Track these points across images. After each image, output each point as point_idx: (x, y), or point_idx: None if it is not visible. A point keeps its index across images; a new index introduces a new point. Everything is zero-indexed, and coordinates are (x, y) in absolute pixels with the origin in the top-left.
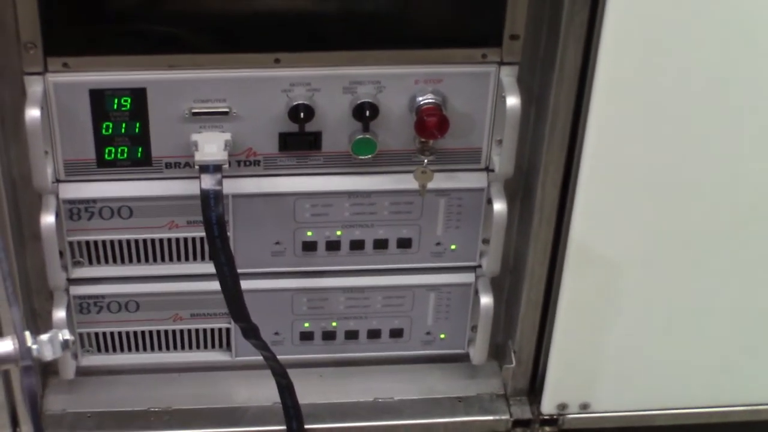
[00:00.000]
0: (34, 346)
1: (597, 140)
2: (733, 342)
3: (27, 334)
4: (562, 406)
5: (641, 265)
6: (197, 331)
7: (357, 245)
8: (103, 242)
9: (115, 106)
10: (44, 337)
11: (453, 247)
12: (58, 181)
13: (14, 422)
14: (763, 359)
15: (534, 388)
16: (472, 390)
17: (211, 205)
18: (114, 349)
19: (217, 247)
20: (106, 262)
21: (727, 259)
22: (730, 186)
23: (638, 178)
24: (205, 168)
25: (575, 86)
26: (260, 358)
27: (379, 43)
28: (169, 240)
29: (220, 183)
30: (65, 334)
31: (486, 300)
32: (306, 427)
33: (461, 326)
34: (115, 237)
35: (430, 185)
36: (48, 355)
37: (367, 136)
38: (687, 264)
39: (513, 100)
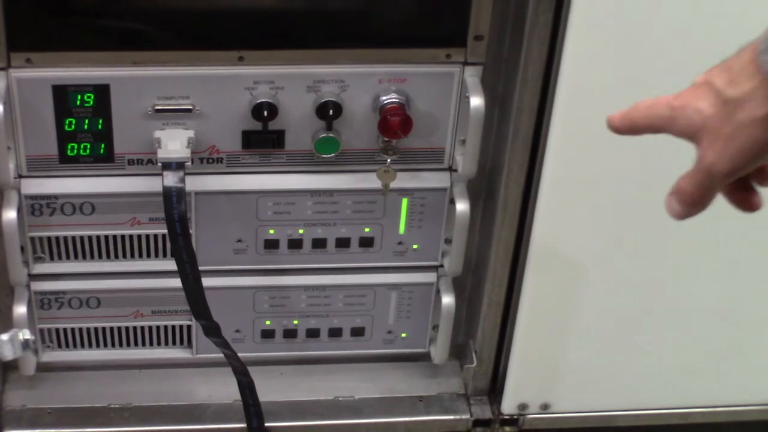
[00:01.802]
0: None
1: (560, 141)
2: (693, 343)
3: None
4: (523, 406)
5: (603, 266)
6: (158, 328)
7: (319, 244)
8: (65, 238)
9: (78, 102)
10: (4, 336)
11: (415, 246)
12: (20, 176)
13: None
14: (723, 361)
15: (495, 388)
16: (433, 389)
17: (173, 202)
18: (75, 345)
19: (179, 244)
20: (68, 258)
21: (688, 261)
22: None
23: (601, 180)
24: (168, 165)
25: (539, 87)
26: (221, 355)
27: (343, 42)
28: (131, 237)
29: (182, 180)
30: (26, 334)
31: (447, 300)
32: (266, 425)
33: (422, 325)
34: (77, 233)
35: (393, 184)
36: (8, 354)
37: (331, 134)
38: (648, 265)
39: (477, 101)
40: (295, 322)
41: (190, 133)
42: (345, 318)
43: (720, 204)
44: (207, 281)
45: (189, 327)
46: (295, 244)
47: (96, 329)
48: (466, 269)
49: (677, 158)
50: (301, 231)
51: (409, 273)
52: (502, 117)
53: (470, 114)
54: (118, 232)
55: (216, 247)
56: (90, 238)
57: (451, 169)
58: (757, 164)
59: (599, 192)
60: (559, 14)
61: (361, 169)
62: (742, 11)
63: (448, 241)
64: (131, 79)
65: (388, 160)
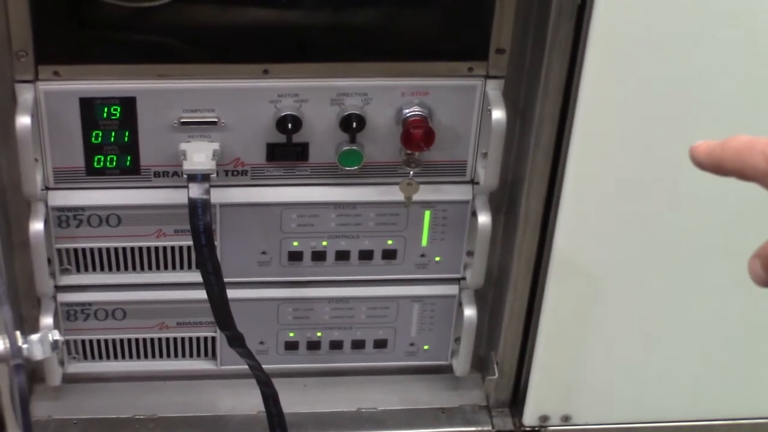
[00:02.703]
0: (25, 346)
1: (581, 153)
2: (716, 355)
3: (17, 333)
4: (544, 418)
5: (624, 277)
6: (183, 339)
7: (342, 256)
8: (91, 250)
9: (105, 115)
10: (34, 337)
11: (437, 258)
12: (47, 188)
13: (1, 426)
14: (747, 372)
15: (516, 400)
16: (455, 401)
17: (198, 213)
18: (100, 357)
19: (204, 255)
20: (94, 269)
21: (711, 271)
22: (715, 199)
23: (622, 191)
24: (193, 177)
25: (560, 99)
26: (245, 367)
27: (366, 56)
28: (157, 248)
29: (207, 192)
30: (55, 335)
31: (469, 312)
32: None
33: (445, 338)
34: (103, 245)
35: (416, 197)
36: (38, 354)
37: (354, 147)
38: (671, 276)
39: (498, 114)
40: (319, 334)
41: (215, 146)
42: (368, 330)
43: (742, 213)
44: (231, 293)
45: (213, 339)
46: (319, 256)
47: (121, 341)
48: (487, 281)
49: (703, 171)
50: (324, 243)
51: (432, 285)
52: (524, 129)
53: (492, 127)
54: (144, 244)
55: (240, 259)
56: (116, 249)
57: (473, 182)
58: None
59: (620, 203)
60: (579, 27)
61: (384, 181)
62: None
63: (470, 253)
64: (157, 91)
65: (411, 173)
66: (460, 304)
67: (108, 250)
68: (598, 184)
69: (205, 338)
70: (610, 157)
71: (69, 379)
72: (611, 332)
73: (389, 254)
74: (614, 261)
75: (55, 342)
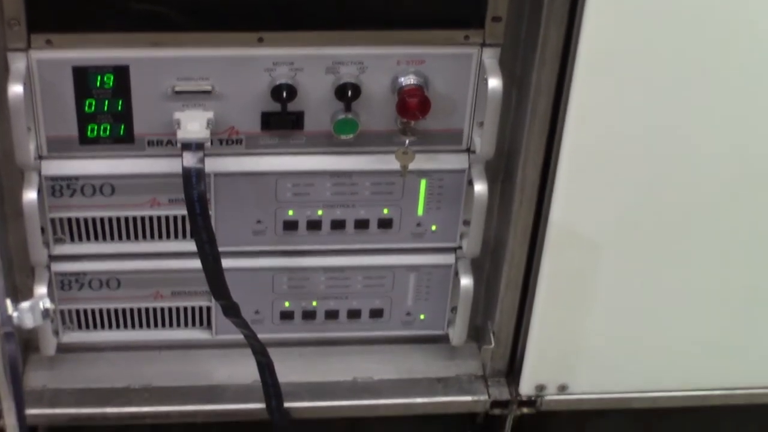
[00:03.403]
0: (15, 314)
1: (578, 122)
2: (712, 325)
3: (8, 301)
4: (540, 388)
5: (621, 246)
6: (178, 309)
7: (338, 225)
8: (85, 219)
9: (98, 84)
10: (25, 305)
11: (433, 228)
12: (40, 157)
13: None
14: (743, 342)
15: (512, 370)
16: (451, 371)
17: (192, 183)
18: (95, 326)
19: (199, 225)
20: (88, 239)
21: (708, 241)
22: (711, 168)
23: (619, 160)
24: (187, 146)
25: (557, 68)
26: (240, 336)
27: (362, 24)
28: (151, 218)
29: (202, 161)
30: (46, 303)
31: (466, 281)
32: (285, 405)
33: (441, 307)
34: (97, 214)
35: (412, 166)
36: (29, 322)
37: (349, 116)
38: (667, 246)
39: (495, 82)
40: (314, 303)
41: (210, 114)
42: (364, 299)
43: (740, 182)
44: (226, 262)
45: (208, 308)
46: (314, 225)
47: (116, 310)
48: (484, 251)
49: (696, 138)
50: (320, 212)
51: (428, 255)
52: (520, 98)
53: (488, 95)
54: (138, 213)
55: (235, 228)
56: (110, 219)
57: (469, 151)
58: None
59: (617, 172)
60: None
61: (379, 150)
62: None
63: (466, 222)
64: (151, 60)
65: (407, 142)
66: (456, 274)
67: (102, 219)
68: (595, 153)
69: (200, 308)
70: (607, 125)
71: (63, 349)
72: (608, 301)
73: (385, 223)
74: (611, 230)
75: (46, 310)
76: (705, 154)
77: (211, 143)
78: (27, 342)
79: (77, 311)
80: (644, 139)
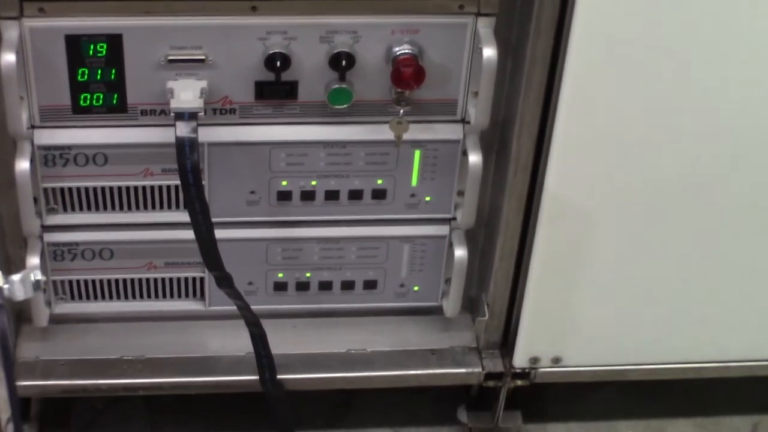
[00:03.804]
0: (6, 286)
1: (573, 92)
2: (706, 297)
3: None
4: (534, 360)
5: (616, 217)
6: (171, 280)
7: (332, 195)
8: (78, 189)
9: (91, 52)
10: (15, 277)
11: (428, 198)
12: (33, 127)
13: None
14: (736, 315)
15: (506, 342)
16: (445, 342)
17: (186, 152)
18: (88, 297)
19: (192, 195)
20: (81, 209)
21: (703, 212)
22: (707, 137)
23: (614, 131)
24: (181, 115)
25: (552, 38)
26: (234, 307)
27: None
28: (144, 188)
29: (195, 131)
30: (37, 275)
31: (460, 252)
32: (279, 377)
33: (435, 279)
34: (90, 184)
35: (406, 136)
36: (19, 294)
37: (344, 86)
38: (662, 216)
39: (489, 52)
40: (308, 274)
41: (203, 84)
42: (357, 271)
43: (736, 153)
44: (220, 233)
45: (202, 279)
46: (308, 195)
47: (109, 281)
48: (478, 222)
49: (691, 108)
50: (313, 183)
51: (422, 225)
52: (515, 68)
53: (483, 65)
54: (131, 183)
55: (229, 199)
56: (103, 189)
57: (463, 121)
58: None
59: (612, 143)
60: None
61: (373, 120)
62: None
63: (460, 193)
64: (144, 28)
65: (401, 112)
66: (450, 245)
67: (95, 189)
68: (590, 124)
69: (194, 279)
70: (602, 96)
71: (56, 320)
72: (603, 273)
73: (379, 194)
74: (606, 201)
75: (37, 282)
76: (703, 124)
77: (205, 113)
78: (19, 313)
79: (70, 282)
80: (640, 109)
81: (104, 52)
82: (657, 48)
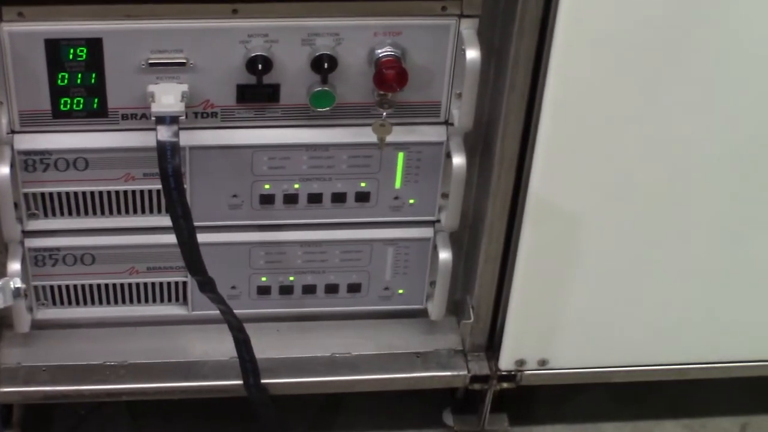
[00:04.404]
0: None
1: (557, 93)
2: (690, 298)
3: None
4: (520, 362)
5: (601, 219)
6: (153, 284)
7: (315, 199)
8: (59, 194)
9: (71, 57)
10: None
11: (411, 201)
12: (13, 131)
13: None
14: (720, 316)
15: (492, 344)
16: (430, 345)
17: (167, 156)
18: (69, 303)
19: (174, 199)
20: (62, 214)
21: (688, 213)
22: (693, 138)
23: (598, 131)
24: (162, 119)
25: (536, 39)
26: (217, 312)
27: None
28: (126, 192)
29: (176, 135)
30: (17, 282)
31: (444, 255)
32: (263, 381)
33: (419, 281)
34: (71, 189)
35: (389, 138)
36: None
37: (326, 88)
38: (647, 219)
39: (473, 53)
40: (291, 278)
41: (184, 87)
42: (341, 274)
43: (724, 149)
44: (202, 237)
45: (184, 283)
46: (291, 199)
47: (91, 286)
48: (463, 224)
49: (678, 109)
50: (296, 186)
51: (406, 228)
52: (499, 70)
53: (466, 67)
54: (112, 188)
55: (211, 203)
56: (84, 194)
57: (447, 123)
58: None
59: (596, 144)
60: None
61: (356, 123)
62: None
63: (444, 195)
64: (124, 32)
65: (384, 114)
66: (434, 247)
67: (76, 194)
68: (575, 125)
69: (176, 283)
70: (586, 96)
71: (38, 326)
72: (589, 275)
73: (362, 197)
74: (591, 202)
75: (17, 290)
76: (690, 124)
77: (186, 116)
78: (1, 319)
79: (51, 287)
80: (626, 110)
81: (84, 57)
82: (642, 48)
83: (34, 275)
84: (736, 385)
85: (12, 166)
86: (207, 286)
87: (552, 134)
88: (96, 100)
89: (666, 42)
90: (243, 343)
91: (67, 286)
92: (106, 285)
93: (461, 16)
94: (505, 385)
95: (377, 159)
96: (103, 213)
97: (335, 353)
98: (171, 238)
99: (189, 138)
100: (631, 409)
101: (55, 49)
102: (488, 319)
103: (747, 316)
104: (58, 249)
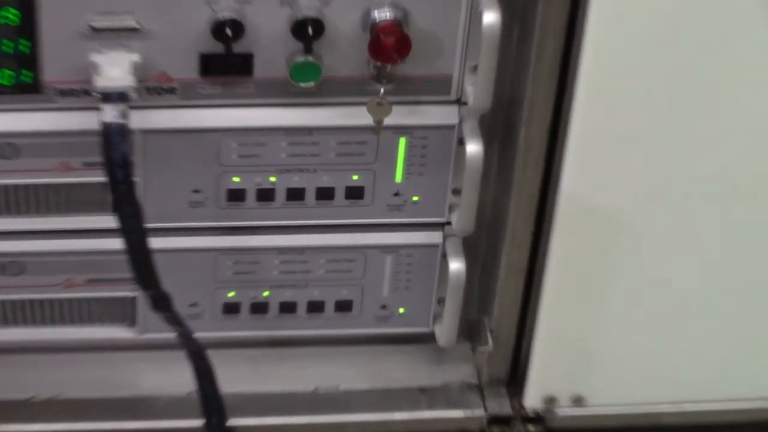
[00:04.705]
0: None
1: (594, 67)
2: (756, 322)
3: None
4: (550, 400)
5: (648, 224)
6: (95, 300)
7: (295, 195)
8: None
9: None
10: None
11: (415, 198)
12: None
13: None
14: None
15: (515, 377)
16: (438, 378)
17: (114, 142)
18: None
19: (122, 194)
20: None
21: (758, 222)
22: (752, 126)
23: (645, 114)
24: (108, 96)
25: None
26: (173, 335)
27: None
28: (62, 186)
29: (125, 115)
30: None
31: (456, 265)
32: (229, 422)
33: (425, 299)
34: None
35: (388, 120)
36: None
37: (310, 59)
38: (706, 225)
39: (491, 17)
40: (266, 293)
41: (135, 57)
42: (328, 289)
43: None
44: (156, 241)
45: (133, 300)
46: (266, 195)
47: (18, 302)
48: (479, 227)
49: (731, 92)
50: (272, 179)
51: (408, 232)
52: (523, 37)
53: (483, 33)
54: (46, 180)
55: (167, 200)
56: (13, 187)
57: (459, 102)
58: None
59: (643, 128)
60: None
61: (347, 101)
62: None
63: (456, 191)
64: None
65: (382, 91)
66: (444, 256)
67: (4, 188)
68: (616, 106)
69: (123, 299)
70: (630, 70)
71: None
72: (632, 292)
73: (354, 193)
74: (636, 203)
75: None
76: (748, 111)
77: (138, 93)
78: None
79: None
80: (676, 85)
81: (15, 20)
82: (700, 9)
83: None
84: None
85: None
86: (161, 302)
87: (589, 115)
88: (28, 73)
89: (719, 18)
90: (205, 374)
91: None
92: (37, 301)
93: None
94: (531, 427)
95: (373, 146)
96: (34, 211)
97: (319, 387)
98: (117, 243)
99: (141, 119)
100: None
101: None
102: (510, 346)
103: None
104: None
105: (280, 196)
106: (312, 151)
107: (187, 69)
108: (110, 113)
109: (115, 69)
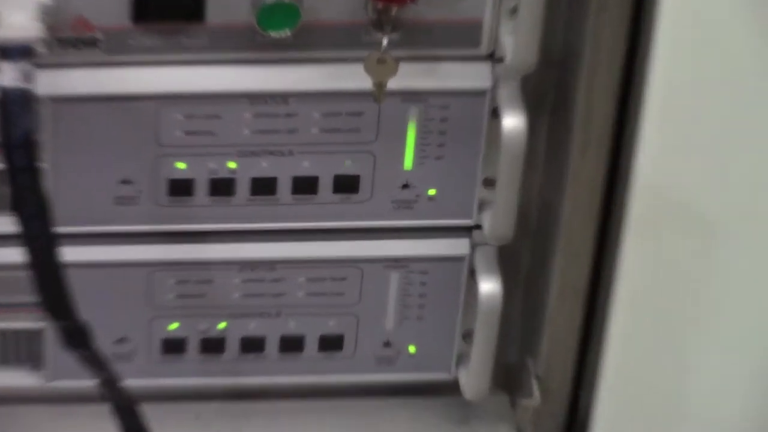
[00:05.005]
0: None
1: (678, 13)
2: None
3: None
4: None
5: (751, 227)
6: None
7: (264, 187)
8: None
9: None
10: None
11: (431, 192)
12: None
13: None
14: None
15: None
16: None
17: (13, 114)
18: None
19: (23, 187)
20: None
21: None
22: None
23: (741, 82)
24: (6, 51)
25: None
26: (91, 383)
27: None
28: None
29: (30, 77)
30: None
31: (489, 286)
32: None
33: (445, 332)
34: None
35: (393, 84)
36: None
37: None
38: None
39: None
40: (222, 325)
41: None
42: (309, 319)
43: None
44: (70, 252)
45: (39, 334)
46: (222, 187)
47: None
48: (520, 233)
49: None
50: (232, 165)
51: (422, 239)
52: None
53: None
54: None
55: (86, 194)
56: None
57: (493, 58)
58: None
59: (741, 101)
60: None
61: (337, 56)
62: None
63: (489, 182)
64: None
65: (385, 42)
66: (472, 273)
67: None
68: (705, 67)
69: (25, 333)
70: (719, 22)
71: None
72: (733, 323)
73: (346, 184)
74: (741, 201)
75: None
76: None
77: (47, 46)
78: None
79: None
80: None
81: None
82: None
83: None
84: None
85: None
86: (76, 337)
87: (669, 82)
88: None
89: None
90: None
91: None
92: None
93: None
94: None
95: (373, 119)
96: None
97: None
98: (17, 255)
99: (51, 82)
100: None
101: None
102: (564, 397)
103: None
104: None
105: (243, 189)
106: (287, 126)
107: (114, 14)
108: (8, 75)
109: (16, 13)
